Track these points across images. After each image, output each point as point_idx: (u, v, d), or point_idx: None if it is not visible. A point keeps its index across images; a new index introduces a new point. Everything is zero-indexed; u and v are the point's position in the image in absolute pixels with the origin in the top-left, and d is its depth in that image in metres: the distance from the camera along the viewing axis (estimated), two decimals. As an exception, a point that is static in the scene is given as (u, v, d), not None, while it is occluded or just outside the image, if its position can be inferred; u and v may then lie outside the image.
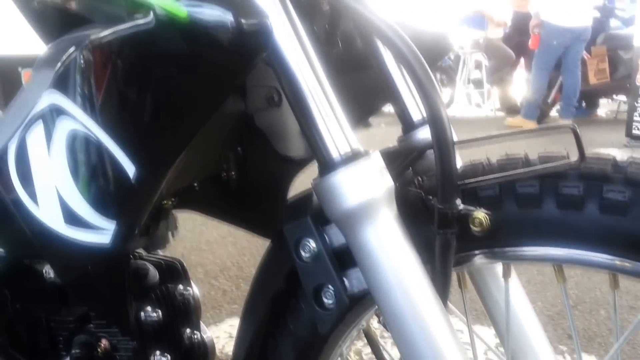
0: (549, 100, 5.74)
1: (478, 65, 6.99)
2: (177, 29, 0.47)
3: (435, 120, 0.51)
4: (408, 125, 0.71)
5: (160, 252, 0.86)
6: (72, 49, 0.51)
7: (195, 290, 0.84)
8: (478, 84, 7.01)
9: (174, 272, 0.83)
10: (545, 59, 5.26)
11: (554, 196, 0.53)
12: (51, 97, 0.55)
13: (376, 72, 0.74)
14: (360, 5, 0.56)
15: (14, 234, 0.65)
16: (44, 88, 0.56)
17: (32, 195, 0.59)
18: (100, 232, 0.56)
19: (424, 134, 0.69)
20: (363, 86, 0.79)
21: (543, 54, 5.27)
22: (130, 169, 0.52)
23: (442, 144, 0.51)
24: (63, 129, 0.54)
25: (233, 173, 0.81)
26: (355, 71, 0.78)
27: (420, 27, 0.86)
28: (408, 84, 0.71)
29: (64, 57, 0.52)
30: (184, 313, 0.79)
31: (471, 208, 0.52)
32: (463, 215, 0.52)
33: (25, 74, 2.06)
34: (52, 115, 0.55)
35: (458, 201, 0.52)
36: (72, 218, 0.57)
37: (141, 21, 0.48)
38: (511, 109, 6.39)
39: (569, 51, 5.17)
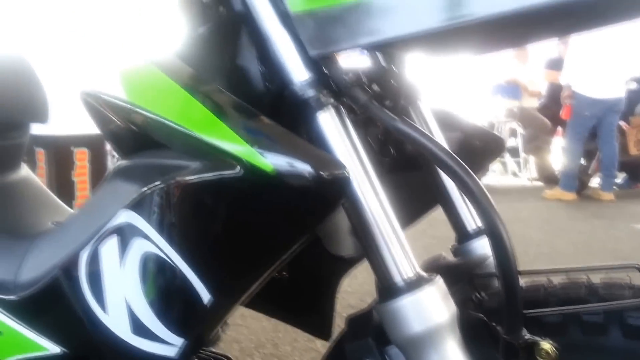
0: (590, 171, 5.66)
1: (513, 134, 6.98)
2: (262, 179, 0.50)
3: (500, 254, 0.52)
4: (462, 235, 0.72)
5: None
6: (158, 182, 0.55)
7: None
8: (514, 152, 6.97)
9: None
10: (578, 129, 5.23)
11: (619, 326, 0.53)
12: (129, 216, 0.58)
13: (426, 175, 0.76)
14: (408, 126, 0.58)
15: (79, 337, 0.67)
16: (121, 205, 0.59)
17: (101, 303, 0.61)
18: (167, 345, 0.58)
19: (480, 246, 0.69)
20: (412, 186, 0.80)
21: (575, 125, 5.24)
22: (205, 295, 0.54)
23: (507, 275, 0.52)
24: (138, 248, 0.57)
25: (285, 273, 0.83)
26: (405, 171, 0.80)
27: (472, 127, 0.88)
28: (462, 193, 0.73)
29: (148, 185, 0.56)
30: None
31: (537, 338, 0.52)
32: (529, 344, 0.52)
33: (77, 152, 2.19)
34: (128, 233, 0.58)
35: (524, 331, 0.53)
36: (139, 329, 0.59)
37: (228, 171, 0.51)
38: (549, 178, 6.31)
39: (603, 122, 5.13)
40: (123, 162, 0.70)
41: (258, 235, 0.54)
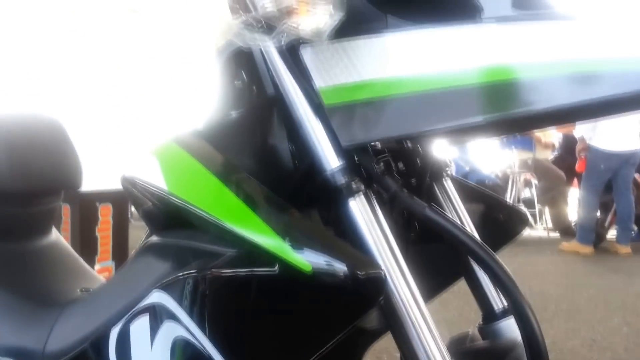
0: (606, 224, 5.59)
1: (527, 185, 6.95)
2: (299, 278, 0.51)
3: (530, 341, 0.53)
4: (489, 314, 0.72)
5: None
6: (193, 268, 0.56)
7: None
8: (529, 204, 6.93)
9: None
10: (594, 182, 5.19)
11: None
12: (161, 297, 0.58)
13: (451, 249, 0.77)
14: (436, 214, 0.60)
15: None
16: (153, 283, 0.60)
17: None
18: None
19: (508, 327, 0.70)
20: (437, 258, 0.81)
21: (591, 178, 5.22)
22: None
23: None
24: (169, 331, 0.57)
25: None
26: (429, 243, 0.81)
27: (495, 200, 0.90)
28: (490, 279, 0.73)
29: (183, 269, 0.57)
30: None
31: None
32: None
33: (102, 208, 2.22)
34: (160, 314, 0.59)
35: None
36: None
37: (265, 268, 0.53)
38: (565, 230, 6.24)
39: (618, 175, 5.10)
40: (155, 239, 0.72)
41: (292, 331, 0.55)
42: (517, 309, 0.54)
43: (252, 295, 0.55)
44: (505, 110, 0.53)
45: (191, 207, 0.59)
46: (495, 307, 0.72)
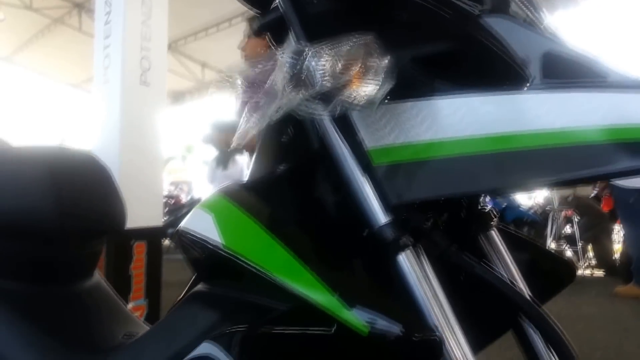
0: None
1: (569, 222, 6.78)
2: (355, 338, 0.51)
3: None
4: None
5: None
6: (245, 322, 0.57)
7: None
8: (571, 240, 6.74)
9: None
10: (628, 215, 4.99)
11: None
12: (212, 349, 0.59)
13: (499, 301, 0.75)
14: (487, 272, 0.60)
15: None
16: (204, 335, 0.61)
17: None
18: None
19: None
20: (485, 309, 0.79)
21: (625, 214, 5.02)
22: None
23: None
24: None
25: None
26: (477, 291, 0.79)
27: (541, 251, 0.88)
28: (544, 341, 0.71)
29: (235, 323, 0.57)
30: None
31: None
32: None
33: (136, 246, 2.25)
34: None
35: None
36: None
37: (320, 327, 0.53)
38: (611, 269, 6.03)
39: None
40: (203, 287, 0.72)
41: None
42: None
43: (306, 353, 0.55)
44: (547, 176, 0.56)
45: (246, 261, 0.59)
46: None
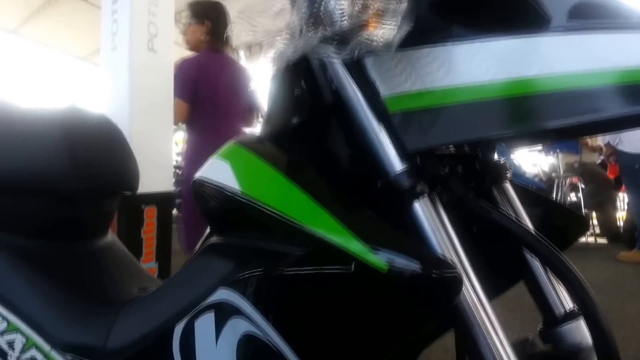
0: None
1: (574, 189, 6.76)
2: (374, 277, 0.52)
3: (600, 341, 0.52)
4: (551, 318, 0.71)
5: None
6: (262, 266, 0.57)
7: None
8: (575, 208, 6.73)
9: None
10: (633, 182, 4.98)
11: None
12: (228, 295, 0.60)
13: (512, 251, 0.76)
14: (503, 218, 0.60)
15: None
16: (218, 282, 0.62)
17: None
18: None
19: (570, 332, 0.68)
20: (495, 261, 0.80)
21: (631, 181, 5.00)
22: None
23: None
24: (236, 327, 0.59)
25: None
26: (487, 244, 0.80)
27: (554, 205, 0.88)
28: (550, 276, 0.72)
29: (251, 268, 0.58)
30: None
31: None
32: None
33: (147, 210, 2.27)
34: (226, 311, 0.60)
35: None
36: None
37: (340, 266, 0.53)
38: (614, 236, 6.04)
39: None
40: (217, 239, 0.73)
41: (363, 330, 0.55)
42: (587, 309, 0.54)
43: (324, 294, 0.55)
44: (570, 119, 0.54)
45: (264, 206, 0.60)
46: (557, 312, 0.71)
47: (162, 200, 2.26)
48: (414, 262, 0.51)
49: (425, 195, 0.59)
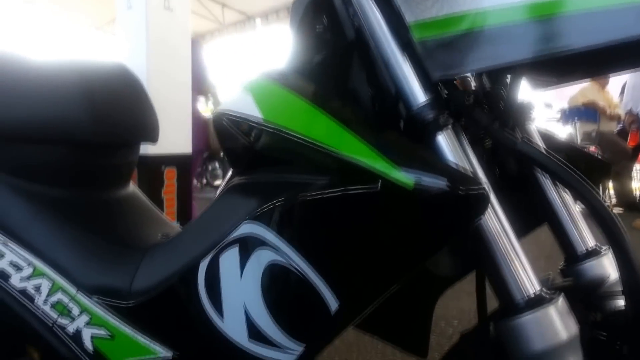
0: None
1: (591, 159, 6.67)
2: (401, 195, 0.52)
3: (626, 271, 0.52)
4: (572, 257, 0.71)
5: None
6: (284, 196, 0.57)
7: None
8: (591, 179, 6.64)
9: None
10: None
11: None
12: (253, 228, 0.60)
13: (534, 196, 0.76)
14: (529, 147, 0.59)
15: (192, 341, 0.70)
16: (242, 218, 0.62)
17: (218, 309, 0.64)
18: (285, 351, 0.60)
19: (591, 268, 0.69)
20: (515, 206, 0.81)
21: None
22: (332, 303, 0.56)
23: (634, 292, 0.52)
24: (262, 258, 0.59)
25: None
26: (508, 191, 0.80)
27: (576, 150, 0.88)
28: (572, 215, 0.72)
29: (274, 199, 0.58)
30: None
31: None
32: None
33: (167, 171, 2.29)
34: (251, 244, 0.60)
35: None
36: (256, 335, 0.61)
37: (365, 186, 0.53)
38: (630, 206, 5.99)
39: None
40: (239, 178, 0.73)
41: (391, 248, 0.55)
42: (615, 240, 0.53)
43: (349, 215, 0.55)
44: (595, 36, 0.52)
45: (288, 132, 0.60)
46: (579, 250, 0.71)
47: (181, 162, 2.28)
48: (440, 179, 0.50)
49: (449, 127, 0.59)
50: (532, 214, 0.79)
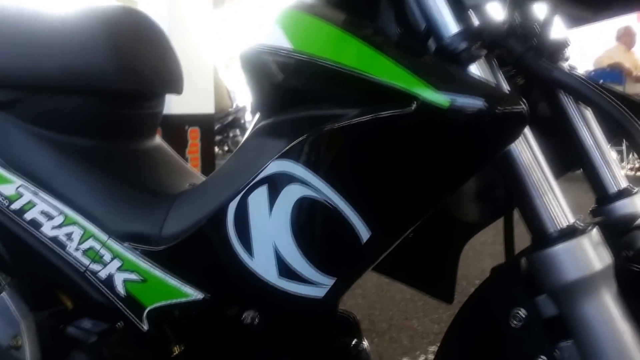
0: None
1: (615, 122, 6.54)
2: (437, 116, 0.50)
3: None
4: (603, 198, 0.71)
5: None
6: (313, 129, 0.56)
7: (366, 345, 0.85)
8: (616, 141, 6.52)
9: (348, 325, 0.85)
10: None
11: None
12: (280, 166, 0.60)
13: (566, 139, 0.74)
14: (566, 75, 0.57)
15: (223, 282, 0.71)
16: (271, 156, 0.62)
17: (248, 248, 0.64)
18: (315, 286, 0.60)
19: (622, 207, 0.68)
20: (550, 148, 0.79)
21: None
22: (364, 234, 0.56)
23: None
24: (291, 194, 0.59)
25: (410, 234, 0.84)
26: (540, 133, 0.79)
27: (615, 92, 0.85)
28: (604, 156, 0.71)
29: (303, 134, 0.58)
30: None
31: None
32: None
33: (190, 131, 2.30)
34: (280, 181, 0.60)
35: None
36: (287, 271, 0.61)
37: (400, 108, 0.52)
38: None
39: None
40: (266, 121, 0.73)
41: (425, 172, 0.54)
42: None
43: (385, 140, 0.54)
44: None
45: (318, 60, 0.59)
46: (611, 191, 0.70)
47: (204, 122, 2.29)
48: (477, 99, 0.49)
49: (482, 58, 0.57)
50: (562, 158, 0.78)
